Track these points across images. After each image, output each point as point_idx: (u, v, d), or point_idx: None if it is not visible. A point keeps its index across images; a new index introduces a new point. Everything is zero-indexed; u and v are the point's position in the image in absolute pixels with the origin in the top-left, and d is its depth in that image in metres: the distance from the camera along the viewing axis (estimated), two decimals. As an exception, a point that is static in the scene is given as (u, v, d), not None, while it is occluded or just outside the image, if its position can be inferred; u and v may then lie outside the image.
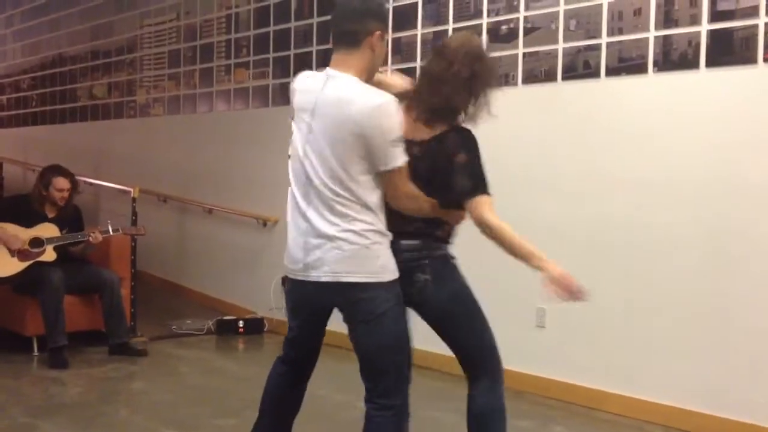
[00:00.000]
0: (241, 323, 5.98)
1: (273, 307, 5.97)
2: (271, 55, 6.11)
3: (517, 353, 4.55)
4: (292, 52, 5.94)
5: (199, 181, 6.84)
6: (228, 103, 6.51)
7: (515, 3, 4.55)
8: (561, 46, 4.36)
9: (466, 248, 4.75)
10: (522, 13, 4.53)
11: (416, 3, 5.08)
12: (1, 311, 5.34)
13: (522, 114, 4.57)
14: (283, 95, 6.06)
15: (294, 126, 2.59)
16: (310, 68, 5.76)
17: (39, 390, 4.44)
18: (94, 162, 8.00)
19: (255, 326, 6.02)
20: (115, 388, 4.48)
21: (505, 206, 4.58)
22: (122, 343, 5.17)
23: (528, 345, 4.53)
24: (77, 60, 8.47)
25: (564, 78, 4.36)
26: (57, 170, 5.27)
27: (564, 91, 4.37)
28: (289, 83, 5.83)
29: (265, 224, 6.15)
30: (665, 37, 3.97)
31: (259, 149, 6.23)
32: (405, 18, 5.14)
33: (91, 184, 6.90)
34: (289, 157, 2.66)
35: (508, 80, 4.61)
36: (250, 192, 6.34)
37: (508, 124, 4.62)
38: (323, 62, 5.67)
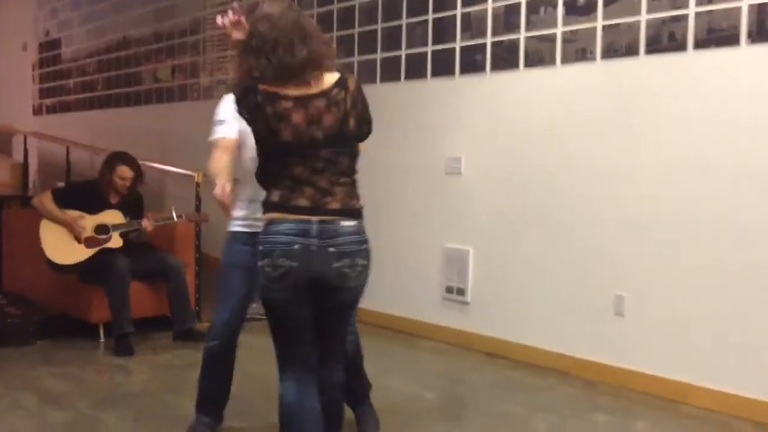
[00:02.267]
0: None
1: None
2: (335, 33, 5.93)
3: (594, 342, 4.34)
4: (356, 58, 5.76)
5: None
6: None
7: (593, -28, 4.28)
8: (644, 17, 4.07)
9: (538, 233, 4.53)
10: (601, -17, 4.26)
11: (487, -25, 4.84)
12: (67, 298, 5.32)
13: (600, 92, 4.31)
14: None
15: None
16: (375, 46, 5.61)
17: (104, 379, 4.40)
18: (159, 146, 7.97)
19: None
20: (179, 376, 4.39)
21: (579, 194, 4.42)
22: (187, 329, 5.10)
23: (605, 334, 4.30)
24: (141, 43, 8.44)
25: (647, 52, 4.07)
26: (122, 158, 5.20)
27: (647, 66, 4.09)
28: (354, 62, 5.71)
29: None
30: (760, 5, 3.66)
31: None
32: (475, -8, 4.92)
33: (156, 168, 6.88)
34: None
35: (585, 55, 4.34)
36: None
37: (584, 103, 4.40)
38: (388, 69, 5.49)
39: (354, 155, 2.56)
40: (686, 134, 3.95)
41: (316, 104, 2.45)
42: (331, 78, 2.49)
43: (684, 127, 3.96)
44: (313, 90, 2.45)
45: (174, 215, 5.11)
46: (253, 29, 2.46)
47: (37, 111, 10.85)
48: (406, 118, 5.43)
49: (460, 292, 5.06)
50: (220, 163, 3.05)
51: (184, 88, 7.78)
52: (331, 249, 2.44)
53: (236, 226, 3.26)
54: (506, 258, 4.83)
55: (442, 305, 5.20)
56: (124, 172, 5.14)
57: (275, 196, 2.47)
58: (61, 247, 4.99)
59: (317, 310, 2.53)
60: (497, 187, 4.87)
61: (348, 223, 2.47)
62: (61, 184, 6.49)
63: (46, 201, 5.06)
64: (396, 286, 5.52)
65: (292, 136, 2.43)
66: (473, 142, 5.00)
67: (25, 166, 9.21)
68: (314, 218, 2.43)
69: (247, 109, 2.49)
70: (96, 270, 4.96)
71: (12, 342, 4.95)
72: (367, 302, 5.58)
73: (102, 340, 5.07)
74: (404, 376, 4.42)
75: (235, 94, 2.53)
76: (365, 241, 2.52)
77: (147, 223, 5.05)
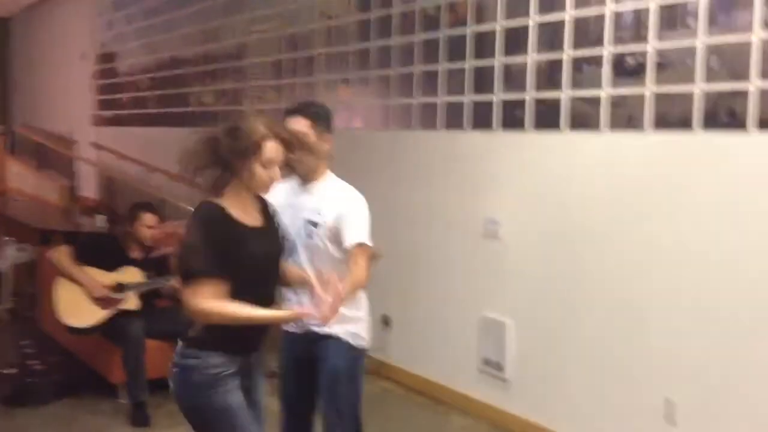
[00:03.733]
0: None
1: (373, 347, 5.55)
2: (372, 73, 5.57)
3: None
4: (391, 101, 5.39)
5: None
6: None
7: (643, 31, 3.80)
8: (698, 87, 3.58)
9: (578, 313, 4.09)
10: (651, 44, 3.77)
11: (527, 25, 4.40)
12: (91, 353, 5.15)
13: (650, 166, 3.85)
14: (383, 116, 5.53)
15: None
16: (411, 90, 5.23)
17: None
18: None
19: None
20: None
21: (622, 275, 3.95)
22: None
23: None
24: (189, 63, 8.23)
25: (705, 126, 3.59)
26: (145, 206, 5.00)
27: (703, 142, 3.61)
28: (389, 105, 5.35)
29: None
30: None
31: (362, 174, 5.73)
32: (514, 42, 4.47)
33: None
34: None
35: (633, 123, 3.88)
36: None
37: (630, 175, 3.94)
38: (427, 83, 5.10)
39: None
40: (751, 221, 3.46)
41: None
42: None
43: (750, 211, 3.46)
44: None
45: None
46: None
47: (95, 122, 10.82)
48: (443, 170, 5.05)
49: (498, 366, 4.66)
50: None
51: (227, 114, 7.54)
52: None
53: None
54: (547, 335, 4.41)
55: (479, 378, 4.81)
56: (149, 219, 4.92)
57: None
58: (76, 307, 4.79)
59: None
60: (536, 255, 4.45)
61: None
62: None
63: (63, 257, 4.87)
64: (430, 348, 5.18)
65: None
66: (512, 203, 4.59)
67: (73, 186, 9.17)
68: None
69: None
70: (111, 334, 4.76)
71: (30, 402, 4.80)
72: (402, 361, 5.33)
73: (122, 401, 4.88)
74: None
75: None
76: (175, 365, 2.58)
77: (176, 282, 4.80)
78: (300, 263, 2.97)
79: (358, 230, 2.99)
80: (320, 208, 3.04)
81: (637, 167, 3.91)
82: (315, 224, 3.03)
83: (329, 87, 6.05)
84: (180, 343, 2.58)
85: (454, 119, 4.93)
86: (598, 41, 4.01)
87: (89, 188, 10.30)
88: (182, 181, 7.56)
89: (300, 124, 2.99)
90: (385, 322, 5.52)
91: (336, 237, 3.02)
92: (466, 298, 4.90)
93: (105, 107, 10.49)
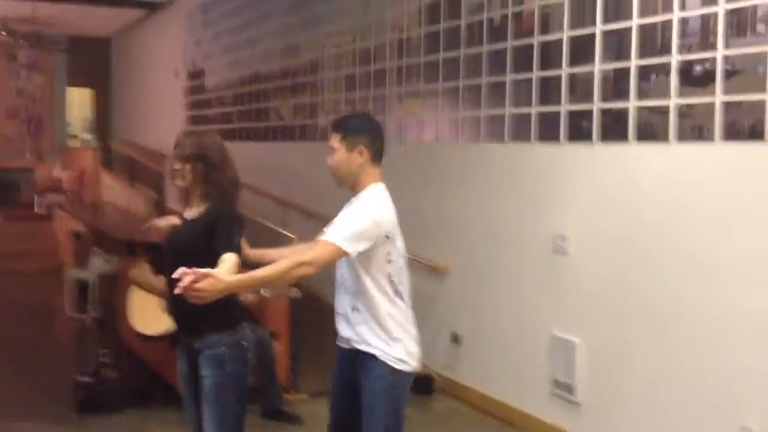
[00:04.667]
0: (407, 380, 5.49)
1: (442, 365, 5.49)
2: (441, 85, 5.51)
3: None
4: (460, 113, 5.32)
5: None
6: (400, 132, 6.02)
7: (712, 39, 3.62)
8: (771, 95, 3.39)
9: (652, 334, 3.88)
10: (721, 52, 3.59)
11: (593, 34, 4.26)
12: (160, 363, 5.25)
13: (720, 179, 3.65)
14: (453, 129, 5.46)
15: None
16: (479, 101, 5.14)
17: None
18: (283, 183, 7.87)
19: (424, 385, 5.50)
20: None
21: (697, 295, 3.74)
22: (274, 409, 4.88)
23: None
24: (269, 79, 8.36)
25: (776, 137, 3.39)
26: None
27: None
28: (458, 117, 5.28)
29: (437, 272, 5.60)
30: None
31: (432, 187, 5.69)
32: (581, 51, 4.34)
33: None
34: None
35: (702, 134, 3.69)
36: (424, 234, 5.82)
37: (701, 190, 3.75)
38: (494, 95, 5.01)
39: None
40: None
41: None
42: None
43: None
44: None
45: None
46: None
47: (185, 137, 11.11)
48: (510, 183, 4.94)
49: (568, 388, 4.50)
50: None
51: (304, 128, 7.61)
52: None
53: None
54: (620, 357, 4.21)
55: (550, 400, 4.64)
56: None
57: None
58: (148, 315, 4.89)
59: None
60: (606, 273, 4.28)
61: None
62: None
63: (145, 273, 4.99)
64: (500, 368, 5.06)
65: None
66: (580, 218, 4.44)
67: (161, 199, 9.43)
68: None
69: None
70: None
71: (101, 409, 4.93)
72: (472, 380, 5.22)
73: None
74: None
75: None
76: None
77: (246, 296, 4.84)
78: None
79: (338, 228, 2.84)
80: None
81: (707, 179, 3.72)
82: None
83: (400, 100, 6.03)
84: None
85: (521, 131, 4.82)
86: (665, 49, 3.85)
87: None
88: (261, 195, 7.73)
89: (332, 140, 2.97)
90: (455, 339, 5.43)
91: None
92: (535, 317, 4.76)
93: (195, 122, 10.77)
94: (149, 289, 4.91)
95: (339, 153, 2.99)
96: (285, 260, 2.78)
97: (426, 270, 5.62)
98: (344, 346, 3.03)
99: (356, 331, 2.94)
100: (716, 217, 3.67)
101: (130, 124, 14.24)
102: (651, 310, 4.01)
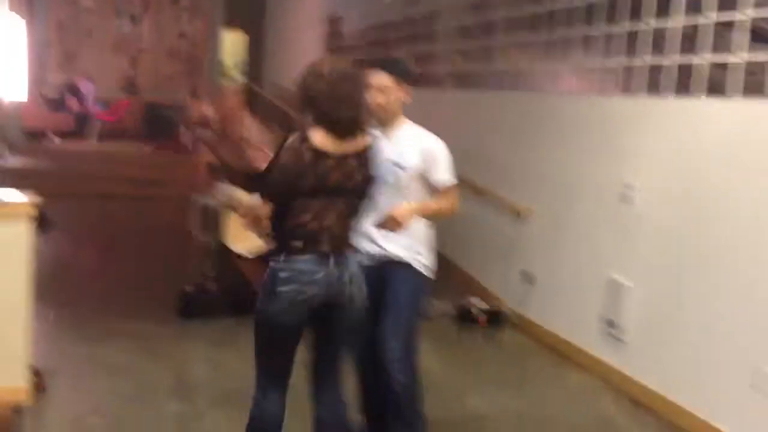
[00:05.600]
0: (481, 313, 5.75)
1: (515, 301, 5.73)
2: (538, 37, 5.64)
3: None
4: (558, 35, 5.43)
5: (475, 160, 6.61)
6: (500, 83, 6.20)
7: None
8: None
9: (705, 282, 3.98)
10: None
11: (673, -12, 4.28)
12: (256, 279, 5.76)
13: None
14: (544, 81, 5.59)
15: None
16: (566, 55, 5.21)
17: (245, 369, 4.69)
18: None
19: (496, 318, 5.76)
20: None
21: (747, 252, 3.78)
22: None
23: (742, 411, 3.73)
24: (393, 28, 8.65)
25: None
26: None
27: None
28: (549, 69, 5.40)
29: (519, 215, 5.80)
30: None
31: (527, 137, 5.86)
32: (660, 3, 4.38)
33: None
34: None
35: (763, 90, 3.69)
36: (510, 179, 6.02)
37: (755, 147, 3.77)
38: (576, 48, 5.06)
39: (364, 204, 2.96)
40: None
41: (351, 163, 2.83)
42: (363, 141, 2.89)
43: None
44: (351, 149, 2.84)
45: None
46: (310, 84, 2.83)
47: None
48: (588, 135, 5.08)
49: (619, 328, 4.65)
50: None
51: (420, 75, 7.86)
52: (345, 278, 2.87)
53: None
54: (669, 302, 4.33)
55: (600, 337, 4.82)
56: None
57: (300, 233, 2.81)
58: (245, 236, 5.39)
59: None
60: (667, 225, 4.36)
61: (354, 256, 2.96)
62: None
63: (239, 195, 5.48)
64: (563, 306, 5.26)
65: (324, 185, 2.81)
66: (649, 170, 4.52)
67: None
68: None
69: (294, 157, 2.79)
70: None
71: (198, 315, 5.50)
72: (539, 316, 5.43)
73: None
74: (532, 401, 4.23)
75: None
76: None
77: None
78: (381, 204, 3.19)
79: (446, 171, 3.32)
80: (403, 152, 3.26)
81: (762, 137, 3.74)
82: (401, 167, 3.26)
83: (503, 51, 6.20)
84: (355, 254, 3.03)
85: (606, 84, 4.91)
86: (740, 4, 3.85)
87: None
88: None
89: (381, 79, 3.22)
90: (529, 278, 5.64)
91: (422, 178, 3.26)
92: (597, 260, 4.91)
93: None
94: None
95: (391, 91, 3.25)
96: (446, 201, 3.36)
97: (509, 213, 5.84)
98: (371, 263, 3.28)
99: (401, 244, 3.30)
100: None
101: (278, 67, 14.96)
102: (704, 263, 4.08)
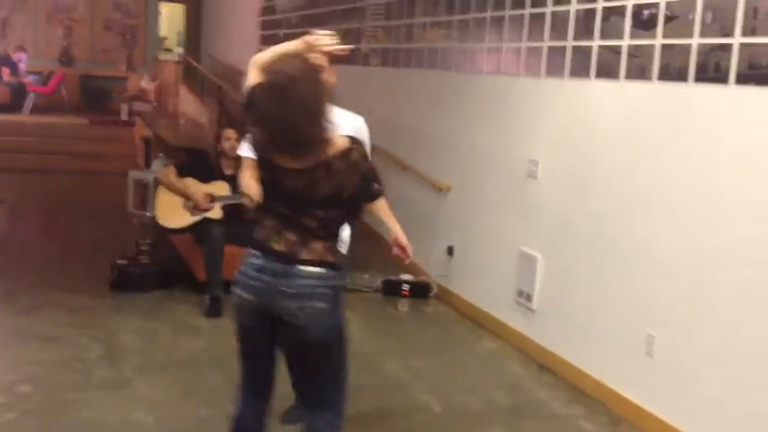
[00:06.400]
0: (406, 286, 6.07)
1: (438, 274, 6.04)
2: (456, 17, 5.90)
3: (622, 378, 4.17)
4: (472, 15, 5.69)
5: (399, 136, 6.88)
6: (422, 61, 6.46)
7: (655, -14, 3.92)
8: (695, 41, 3.69)
9: (596, 250, 4.25)
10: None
11: (570, -24, 4.58)
12: (187, 254, 5.98)
13: (654, 116, 4.00)
14: (469, 62, 5.86)
15: None
16: (482, 35, 5.48)
17: (173, 340, 4.91)
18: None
19: (421, 290, 6.08)
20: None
21: (616, 229, 4.15)
22: None
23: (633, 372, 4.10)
24: (325, 3, 8.83)
25: (697, 79, 3.70)
26: (228, 125, 5.68)
27: (694, 95, 3.73)
28: (466, 49, 5.67)
29: (440, 190, 6.09)
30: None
31: (438, 113, 6.14)
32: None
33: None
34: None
35: (644, 74, 4.02)
36: (430, 155, 6.30)
37: (639, 127, 4.09)
38: (491, 30, 5.32)
39: (345, 217, 2.71)
40: (723, 172, 3.58)
41: (316, 174, 2.52)
42: (333, 147, 2.53)
43: (720, 164, 3.59)
44: (312, 162, 2.51)
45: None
46: (259, 95, 2.51)
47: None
48: (496, 112, 5.39)
49: (528, 297, 4.99)
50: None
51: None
52: (284, 288, 2.56)
53: None
54: (568, 270, 4.69)
55: (512, 307, 5.17)
56: (229, 133, 5.60)
57: (259, 233, 2.63)
58: (170, 212, 5.59)
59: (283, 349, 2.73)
60: (565, 195, 4.70)
61: (311, 269, 2.57)
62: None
63: (170, 176, 5.64)
64: (479, 278, 5.58)
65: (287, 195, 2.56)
66: (549, 147, 4.84)
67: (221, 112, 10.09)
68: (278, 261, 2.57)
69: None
70: (197, 236, 5.53)
71: (130, 288, 5.69)
72: (459, 288, 5.75)
73: (206, 296, 5.65)
74: (447, 372, 4.55)
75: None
76: (326, 287, 2.60)
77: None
78: None
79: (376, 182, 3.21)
80: None
81: (645, 118, 4.07)
82: None
83: (423, 29, 6.44)
84: (318, 268, 2.59)
85: (510, 65, 5.20)
86: (624, -7, 4.17)
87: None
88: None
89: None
90: (449, 251, 5.95)
91: None
92: (508, 234, 5.24)
93: (266, 42, 11.36)
94: (173, 190, 5.58)
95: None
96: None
97: (431, 188, 6.13)
98: None
99: None
100: (654, 148, 4.02)
101: (215, 39, 14.98)
102: (597, 235, 4.42)
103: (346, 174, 2.55)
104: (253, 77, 2.63)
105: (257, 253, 2.61)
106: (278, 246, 2.58)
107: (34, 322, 4.95)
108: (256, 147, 2.59)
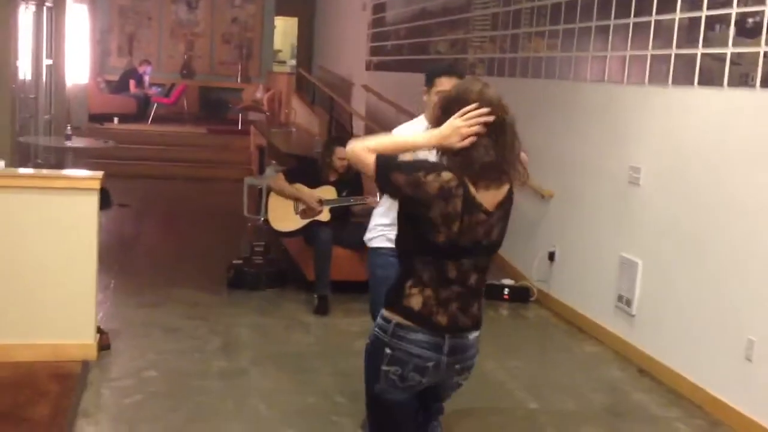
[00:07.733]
0: (506, 290, 6.19)
1: (539, 279, 6.14)
2: (561, 26, 6.00)
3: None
4: (577, 25, 5.78)
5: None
6: (527, 71, 6.58)
7: (762, -7, 3.94)
8: (798, 48, 3.70)
9: (699, 259, 4.29)
10: (768, 7, 3.91)
11: (675, -14, 4.63)
12: (299, 255, 6.29)
13: (756, 123, 4.01)
14: (573, 71, 5.95)
15: None
16: (587, 45, 5.58)
17: (285, 334, 5.22)
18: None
19: (521, 294, 6.19)
20: (345, 344, 5.05)
21: (717, 234, 4.16)
22: None
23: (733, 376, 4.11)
24: (433, 14, 9.04)
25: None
26: (339, 141, 5.94)
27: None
28: (582, 57, 5.76)
29: (543, 197, 6.19)
30: None
31: (550, 121, 6.24)
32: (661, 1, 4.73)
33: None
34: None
35: (747, 81, 4.04)
36: (536, 162, 6.38)
37: (741, 134, 4.11)
38: (595, 40, 5.42)
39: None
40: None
41: (496, 217, 2.40)
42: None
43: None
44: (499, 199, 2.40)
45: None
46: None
47: (367, 67, 12.08)
48: (598, 121, 5.44)
49: (628, 302, 5.04)
50: None
51: (456, 61, 8.25)
52: (458, 366, 2.54)
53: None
54: (670, 278, 4.71)
55: (612, 311, 5.22)
56: (341, 153, 5.86)
57: (416, 301, 2.40)
58: (282, 216, 5.91)
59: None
60: (667, 201, 4.74)
61: (475, 335, 2.58)
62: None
63: (280, 182, 5.97)
64: (580, 283, 5.66)
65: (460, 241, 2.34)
66: (652, 154, 4.88)
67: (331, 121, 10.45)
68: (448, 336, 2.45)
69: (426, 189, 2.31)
70: (308, 238, 5.82)
71: (245, 286, 6.03)
72: (559, 293, 5.84)
73: (315, 294, 5.93)
74: (548, 372, 4.66)
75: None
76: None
77: (372, 200, 5.66)
78: None
79: None
80: None
81: (747, 125, 4.09)
82: None
83: (530, 39, 6.56)
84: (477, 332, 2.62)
85: (615, 73, 5.27)
86: (727, 3, 4.19)
87: (355, 125, 11.62)
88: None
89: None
90: (551, 257, 6.04)
91: None
92: (609, 239, 5.30)
93: (375, 53, 11.68)
94: (286, 194, 5.90)
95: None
96: None
97: (533, 194, 6.24)
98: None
99: None
100: (754, 160, 4.03)
101: (326, 51, 15.44)
102: (699, 242, 4.46)
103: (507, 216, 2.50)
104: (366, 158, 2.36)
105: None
106: (444, 319, 2.53)
107: (158, 315, 5.33)
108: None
